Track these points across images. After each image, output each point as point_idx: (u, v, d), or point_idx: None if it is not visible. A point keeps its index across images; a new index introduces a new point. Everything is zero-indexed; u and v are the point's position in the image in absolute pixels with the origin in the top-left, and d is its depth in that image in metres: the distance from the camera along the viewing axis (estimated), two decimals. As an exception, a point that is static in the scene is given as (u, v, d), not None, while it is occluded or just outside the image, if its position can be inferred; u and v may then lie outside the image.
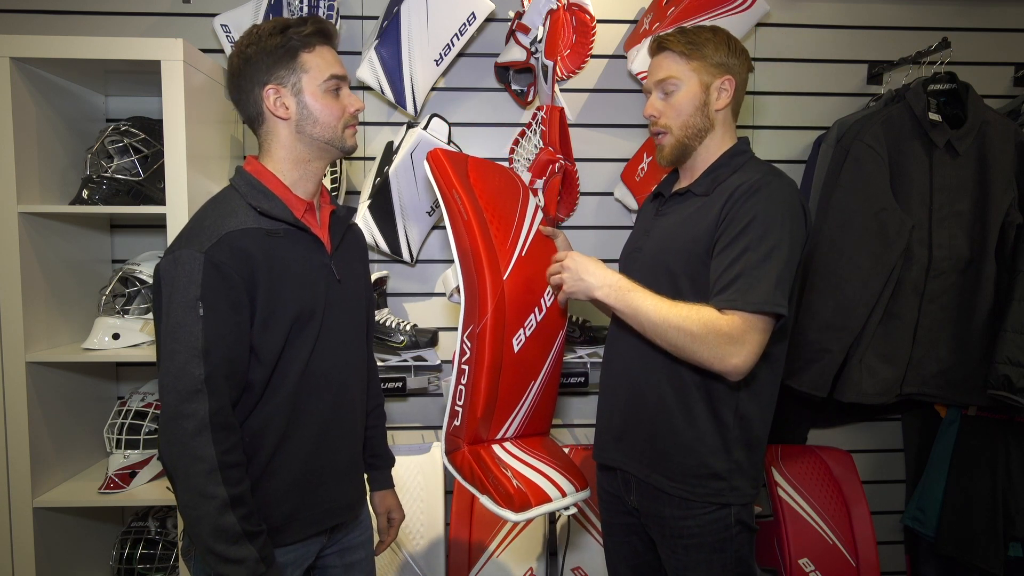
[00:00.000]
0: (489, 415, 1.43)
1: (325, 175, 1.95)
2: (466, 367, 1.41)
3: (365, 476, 1.43)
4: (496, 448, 1.47)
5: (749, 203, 1.21)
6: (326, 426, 1.23)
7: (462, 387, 1.41)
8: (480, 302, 1.40)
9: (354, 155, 2.11)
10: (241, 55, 1.17)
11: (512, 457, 1.46)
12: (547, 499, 1.40)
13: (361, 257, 1.40)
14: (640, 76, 2.01)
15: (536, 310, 1.50)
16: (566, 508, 1.46)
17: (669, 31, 1.37)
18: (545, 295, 1.52)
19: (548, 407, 1.61)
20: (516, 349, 1.44)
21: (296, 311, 1.15)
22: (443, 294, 2.18)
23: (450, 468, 1.44)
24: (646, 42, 1.96)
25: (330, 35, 1.21)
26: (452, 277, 1.60)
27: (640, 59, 1.97)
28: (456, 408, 1.43)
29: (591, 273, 1.30)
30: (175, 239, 1.13)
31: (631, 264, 1.44)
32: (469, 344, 1.41)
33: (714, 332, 1.16)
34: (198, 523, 1.04)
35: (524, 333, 1.46)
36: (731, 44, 1.34)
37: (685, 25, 1.37)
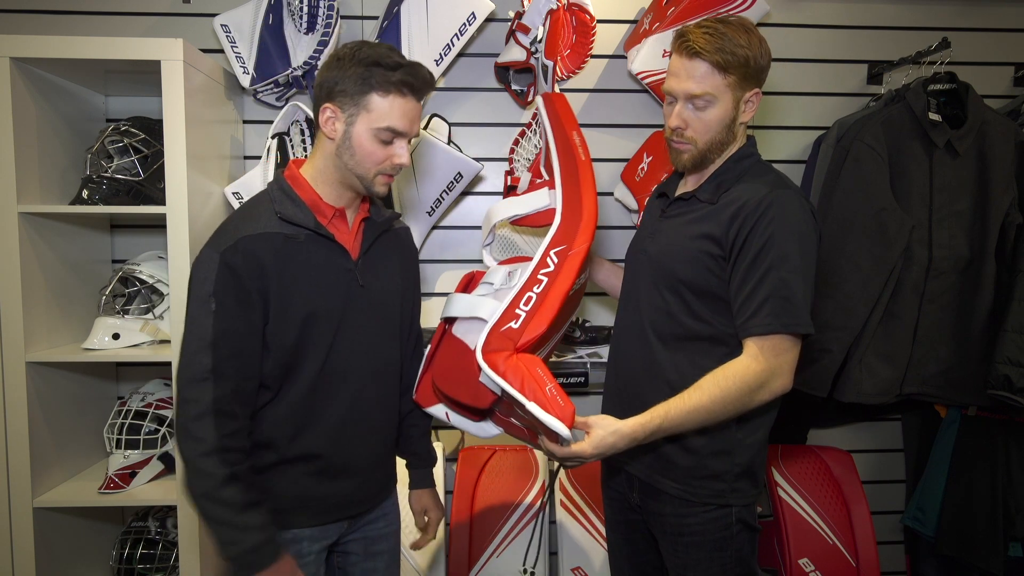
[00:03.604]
0: (548, 335, 1.35)
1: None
2: (544, 279, 1.34)
3: (392, 470, 1.45)
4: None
5: (763, 222, 1.21)
6: (343, 425, 1.27)
7: (532, 295, 1.33)
8: (582, 228, 1.38)
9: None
10: (328, 65, 1.20)
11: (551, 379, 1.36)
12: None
13: (402, 259, 1.41)
14: (640, 76, 2.01)
15: (585, 272, 1.51)
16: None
17: (699, 30, 1.25)
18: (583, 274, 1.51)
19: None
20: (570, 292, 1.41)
21: (307, 312, 1.20)
22: (443, 294, 2.18)
23: (486, 367, 1.24)
24: (646, 42, 1.96)
25: (416, 89, 1.20)
26: (500, 211, 1.55)
27: (640, 59, 1.97)
28: (518, 312, 1.31)
29: (615, 447, 1.20)
30: (210, 237, 1.21)
31: (635, 266, 1.44)
32: (555, 260, 1.36)
33: (755, 383, 1.20)
34: (200, 497, 1.13)
35: (577, 284, 1.43)
36: (763, 48, 1.27)
37: (711, 20, 1.27)
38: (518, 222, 1.57)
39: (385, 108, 1.18)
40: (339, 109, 1.19)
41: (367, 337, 1.29)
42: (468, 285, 1.51)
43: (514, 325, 1.29)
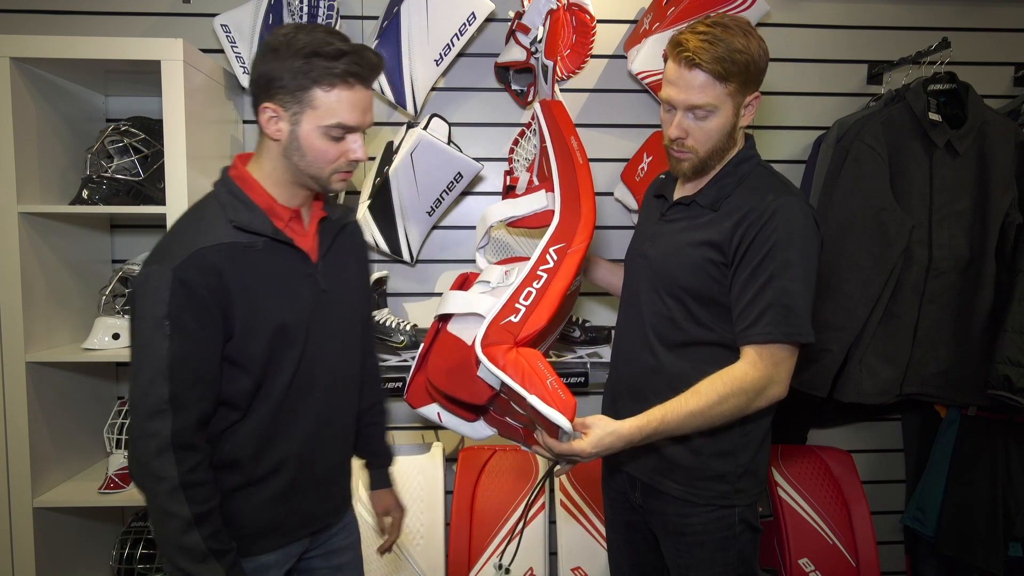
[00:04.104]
0: (547, 331, 1.35)
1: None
2: (543, 275, 1.34)
3: (351, 480, 1.41)
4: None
5: (766, 230, 1.21)
6: (311, 439, 1.22)
7: (532, 290, 1.32)
8: (580, 228, 1.38)
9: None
10: (263, 53, 1.09)
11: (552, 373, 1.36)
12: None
13: (357, 256, 1.36)
14: (640, 76, 2.00)
15: (579, 276, 1.50)
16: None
17: (696, 37, 1.21)
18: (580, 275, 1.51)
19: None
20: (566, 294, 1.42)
21: (277, 324, 1.13)
22: (443, 294, 2.17)
23: (485, 360, 1.23)
24: (646, 42, 1.96)
25: (363, 77, 1.10)
26: (497, 213, 1.54)
27: (640, 59, 1.97)
28: (517, 306, 1.31)
29: (613, 447, 1.20)
30: (150, 252, 1.10)
31: (635, 269, 1.43)
32: (555, 256, 1.36)
33: (752, 390, 1.20)
34: (164, 540, 1.05)
35: (573, 286, 1.44)
36: (762, 49, 1.24)
37: (707, 24, 1.22)
38: (514, 224, 1.56)
39: (332, 103, 1.08)
40: (281, 108, 1.08)
41: (333, 343, 1.24)
42: (463, 285, 1.50)
43: (514, 319, 1.28)
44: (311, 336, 1.19)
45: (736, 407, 1.20)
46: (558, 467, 1.31)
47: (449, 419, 1.40)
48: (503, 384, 1.20)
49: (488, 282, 1.44)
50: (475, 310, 1.33)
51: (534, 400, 1.15)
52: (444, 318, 1.42)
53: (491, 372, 1.20)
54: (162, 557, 1.07)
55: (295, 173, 1.14)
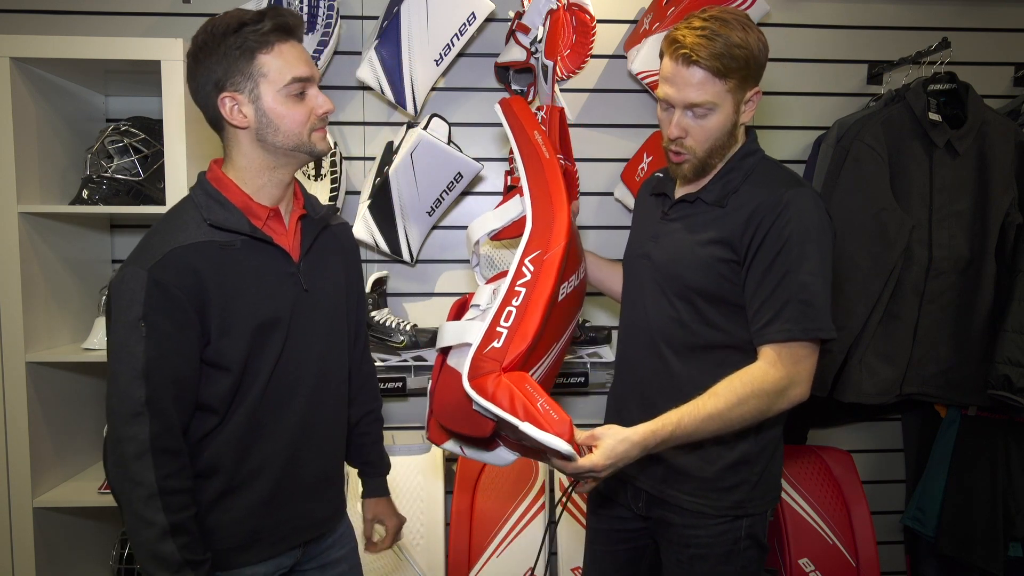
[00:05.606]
0: (534, 348, 1.27)
1: (324, 175, 1.95)
2: (522, 290, 1.26)
3: (343, 488, 1.37)
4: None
5: (779, 223, 1.17)
6: (295, 442, 1.19)
7: (512, 308, 1.24)
8: (555, 229, 1.30)
9: (354, 155, 2.12)
10: (195, 57, 1.09)
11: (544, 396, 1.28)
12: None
13: (343, 258, 1.32)
14: (640, 76, 2.01)
15: (577, 272, 1.43)
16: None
17: (693, 32, 1.18)
18: (581, 267, 1.45)
19: (552, 381, 1.48)
20: (559, 298, 1.34)
21: (256, 323, 1.11)
22: (443, 294, 2.18)
23: (474, 394, 1.16)
24: (646, 42, 1.96)
25: (291, 29, 1.11)
26: (478, 229, 1.49)
27: (640, 59, 1.97)
28: (499, 329, 1.23)
29: (628, 456, 1.13)
30: (129, 255, 1.10)
31: (638, 271, 1.38)
32: (531, 268, 1.28)
33: (773, 391, 1.15)
34: (139, 548, 1.04)
35: (568, 287, 1.37)
36: (761, 43, 1.20)
37: (704, 19, 1.19)
38: (497, 236, 1.50)
39: (279, 63, 1.08)
40: (236, 92, 1.08)
41: (315, 344, 1.21)
42: (459, 311, 1.44)
43: (497, 344, 1.21)
44: (292, 336, 1.16)
45: (756, 409, 1.14)
46: (579, 485, 1.24)
47: (471, 452, 1.35)
48: (495, 416, 1.15)
49: (479, 305, 1.39)
50: (466, 340, 1.27)
51: (527, 427, 1.09)
52: (444, 351, 1.36)
53: (482, 406, 1.14)
54: (138, 564, 1.06)
55: (274, 156, 1.13)
